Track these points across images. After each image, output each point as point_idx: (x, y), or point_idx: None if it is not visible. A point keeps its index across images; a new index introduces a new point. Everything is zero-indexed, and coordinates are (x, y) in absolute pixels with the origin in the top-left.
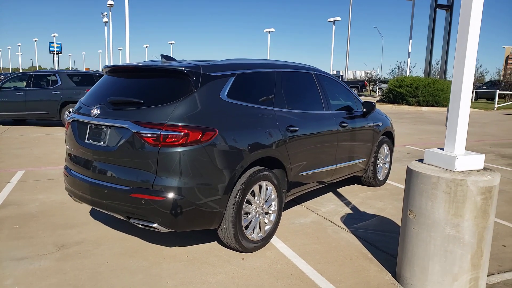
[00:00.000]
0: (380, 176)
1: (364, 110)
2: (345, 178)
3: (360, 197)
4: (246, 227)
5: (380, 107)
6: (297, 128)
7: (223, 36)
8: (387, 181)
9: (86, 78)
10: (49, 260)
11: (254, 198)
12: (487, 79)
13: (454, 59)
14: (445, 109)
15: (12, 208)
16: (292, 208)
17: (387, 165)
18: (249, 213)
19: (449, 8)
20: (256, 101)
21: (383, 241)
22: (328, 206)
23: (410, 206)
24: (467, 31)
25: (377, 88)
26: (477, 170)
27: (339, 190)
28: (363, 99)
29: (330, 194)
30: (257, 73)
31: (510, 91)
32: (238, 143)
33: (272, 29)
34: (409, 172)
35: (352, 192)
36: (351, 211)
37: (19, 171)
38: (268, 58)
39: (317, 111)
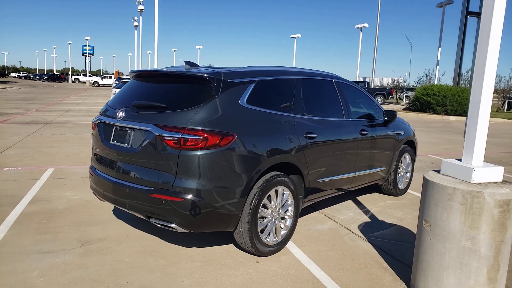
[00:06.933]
0: (401, 185)
1: (386, 118)
2: (365, 186)
3: (380, 205)
4: (262, 231)
5: (406, 115)
6: (315, 135)
7: (250, 41)
8: (408, 190)
9: None
10: (73, 255)
11: (271, 202)
12: None
13: (474, 70)
14: None
15: (41, 204)
16: (309, 214)
17: (408, 174)
18: (265, 217)
19: (480, 15)
20: (275, 108)
21: (400, 250)
22: (347, 213)
23: (426, 216)
24: (488, 40)
25: (404, 95)
26: (495, 183)
27: (359, 198)
28: (389, 107)
29: (349, 202)
30: (277, 80)
31: None
32: (256, 148)
33: (299, 35)
34: (425, 182)
35: (371, 200)
36: (369, 220)
37: (49, 168)
38: (294, 65)
39: (337, 118)
